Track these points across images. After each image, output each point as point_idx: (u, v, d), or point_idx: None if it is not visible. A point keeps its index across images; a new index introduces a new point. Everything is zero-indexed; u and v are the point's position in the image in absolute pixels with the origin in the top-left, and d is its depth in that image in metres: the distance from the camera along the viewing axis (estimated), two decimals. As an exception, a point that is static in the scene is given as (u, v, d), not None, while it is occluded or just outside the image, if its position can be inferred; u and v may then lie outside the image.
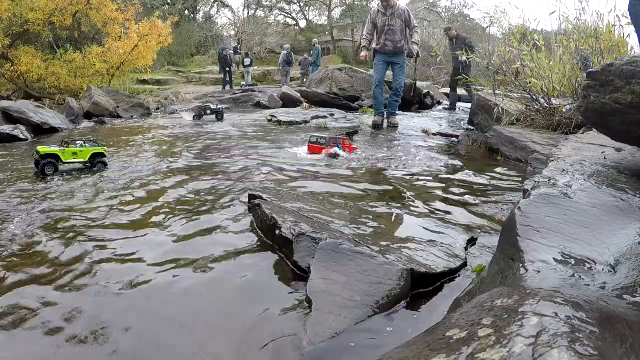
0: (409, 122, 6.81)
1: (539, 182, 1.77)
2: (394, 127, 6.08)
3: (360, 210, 2.36)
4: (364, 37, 6.16)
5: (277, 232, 1.84)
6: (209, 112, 7.66)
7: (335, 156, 3.43)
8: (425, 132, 5.80)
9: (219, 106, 7.94)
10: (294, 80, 18.36)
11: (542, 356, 0.67)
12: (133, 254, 1.88)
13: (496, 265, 1.42)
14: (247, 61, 18.26)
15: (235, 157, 4.05)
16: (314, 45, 17.84)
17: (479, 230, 2.13)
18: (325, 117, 7.54)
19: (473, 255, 1.86)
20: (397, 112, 6.42)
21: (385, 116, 6.29)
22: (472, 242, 1.98)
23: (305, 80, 15.90)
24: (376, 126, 6.07)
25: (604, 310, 0.87)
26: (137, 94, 12.03)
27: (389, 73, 6.27)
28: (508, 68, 5.01)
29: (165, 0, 27.73)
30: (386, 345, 1.18)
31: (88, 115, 8.33)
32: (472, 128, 5.39)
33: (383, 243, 1.82)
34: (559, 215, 1.46)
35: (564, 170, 1.98)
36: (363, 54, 6.09)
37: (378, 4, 6.04)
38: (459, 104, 9.35)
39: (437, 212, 2.40)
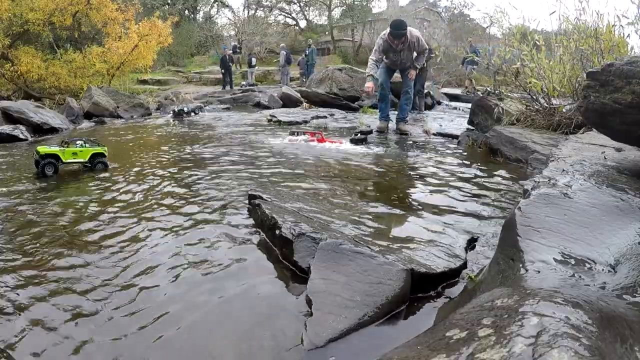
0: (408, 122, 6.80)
1: (539, 182, 1.77)
2: (403, 134, 5.61)
3: (360, 210, 2.36)
4: (371, 64, 5.46)
5: (277, 232, 1.84)
6: (185, 113, 8.39)
7: (297, 141, 4.80)
8: (425, 132, 5.80)
9: (191, 108, 8.85)
10: (293, 80, 18.40)
11: (542, 356, 0.67)
12: (130, 255, 1.88)
13: (496, 265, 1.42)
14: (253, 61, 18.44)
15: (236, 155, 4.05)
16: (309, 45, 17.98)
17: (479, 230, 2.13)
18: (325, 117, 7.54)
19: (473, 255, 1.86)
20: (405, 116, 5.96)
21: (389, 121, 5.99)
22: (472, 242, 1.98)
23: (305, 80, 15.95)
24: (381, 131, 5.74)
25: (604, 310, 0.87)
26: (137, 94, 12.03)
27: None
28: (508, 68, 5.01)
29: (165, 0, 27.72)
30: (386, 345, 1.18)
31: (88, 115, 8.33)
32: (472, 128, 5.39)
33: (383, 243, 1.82)
34: (559, 215, 1.46)
35: (564, 170, 1.98)
36: (369, 85, 5.40)
37: (388, 38, 5.38)
38: (458, 104, 9.42)
39: (437, 212, 2.40)
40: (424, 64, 7.48)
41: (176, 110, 8.39)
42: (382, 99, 5.96)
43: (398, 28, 5.31)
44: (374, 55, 5.51)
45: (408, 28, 5.38)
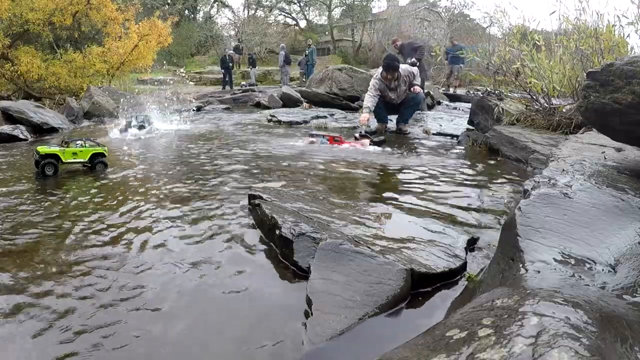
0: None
1: (539, 182, 1.77)
2: (403, 134, 5.69)
3: (360, 210, 2.36)
4: (369, 98, 5.52)
5: (277, 232, 1.84)
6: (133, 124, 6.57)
7: (316, 143, 4.74)
8: (426, 132, 5.79)
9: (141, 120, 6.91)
10: (293, 80, 18.41)
11: (542, 356, 0.67)
12: (129, 256, 1.88)
13: (496, 265, 1.42)
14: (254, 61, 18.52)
15: (235, 155, 4.05)
16: (309, 45, 18.00)
17: (479, 230, 2.13)
18: (325, 117, 7.54)
19: (473, 255, 1.86)
20: (407, 119, 6.00)
21: (386, 122, 5.98)
22: (472, 242, 1.97)
23: (305, 80, 15.97)
24: (379, 132, 5.69)
25: (604, 310, 0.87)
26: (137, 94, 12.00)
27: None
28: (508, 68, 5.01)
29: (165, 0, 27.71)
30: (386, 345, 1.18)
31: (88, 115, 8.33)
32: (472, 128, 5.39)
33: (383, 243, 1.82)
34: (559, 215, 1.46)
35: (564, 170, 1.98)
36: (365, 116, 5.37)
37: (382, 76, 5.52)
38: (458, 104, 9.45)
39: (437, 212, 2.40)
40: (423, 56, 7.51)
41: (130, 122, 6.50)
42: (376, 115, 5.88)
43: (392, 59, 5.54)
44: (370, 92, 5.59)
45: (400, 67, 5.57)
